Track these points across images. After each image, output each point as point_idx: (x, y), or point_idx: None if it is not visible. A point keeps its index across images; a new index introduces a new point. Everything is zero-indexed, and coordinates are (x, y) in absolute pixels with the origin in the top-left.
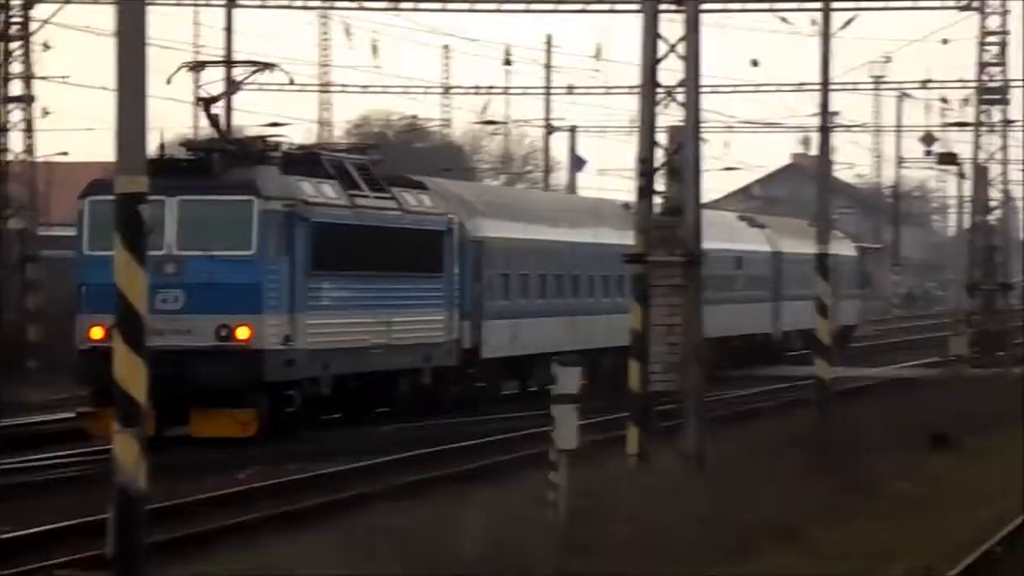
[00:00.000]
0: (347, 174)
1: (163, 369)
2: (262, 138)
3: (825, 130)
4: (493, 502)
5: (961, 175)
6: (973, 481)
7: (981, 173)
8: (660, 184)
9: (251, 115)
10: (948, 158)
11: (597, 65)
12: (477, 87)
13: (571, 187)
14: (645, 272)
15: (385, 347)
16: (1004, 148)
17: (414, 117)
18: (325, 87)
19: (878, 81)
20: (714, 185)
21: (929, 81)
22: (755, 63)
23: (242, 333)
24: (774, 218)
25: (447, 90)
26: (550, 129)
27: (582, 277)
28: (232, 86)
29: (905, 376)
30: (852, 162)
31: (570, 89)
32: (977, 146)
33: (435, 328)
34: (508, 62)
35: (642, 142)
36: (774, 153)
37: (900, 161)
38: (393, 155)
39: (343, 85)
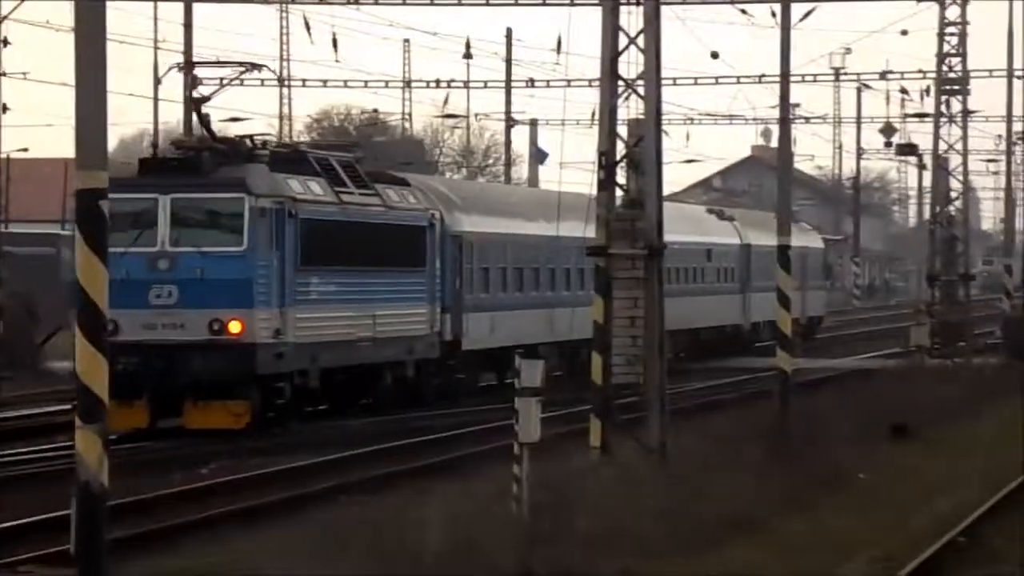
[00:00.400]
0: (333, 171)
1: (157, 362)
2: (249, 137)
3: (785, 121)
4: (458, 496)
5: (921, 166)
6: (934, 471)
7: (941, 164)
8: (621, 177)
9: (210, 110)
10: (908, 149)
11: (558, 58)
12: (438, 81)
13: (533, 180)
14: (607, 265)
15: (370, 340)
16: (964, 138)
17: (375, 111)
18: (285, 81)
19: (838, 72)
20: (675, 177)
21: (889, 72)
22: (715, 55)
23: (234, 327)
24: (742, 211)
25: (408, 84)
26: (511, 122)
27: (558, 270)
28: (221, 86)
29: (866, 367)
30: (812, 153)
31: (531, 82)
32: (937, 136)
33: (418, 321)
34: (469, 55)
35: (602, 135)
36: (734, 145)
37: (860, 152)
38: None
39: (303, 79)
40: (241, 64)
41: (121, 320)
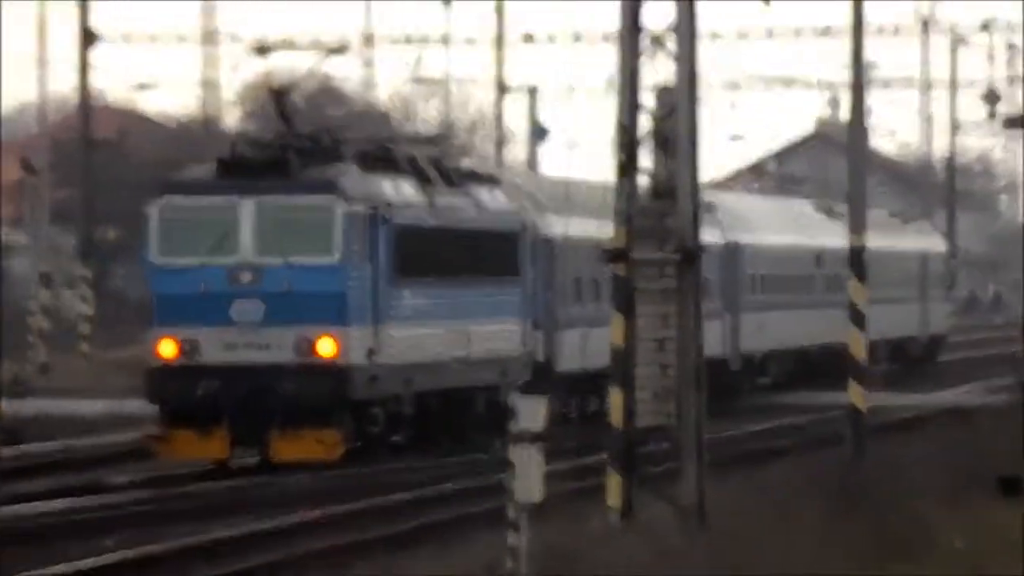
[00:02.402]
0: (422, 169)
1: (239, 387)
2: (328, 130)
3: (859, 88)
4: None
5: None
6: None
7: None
8: (646, 159)
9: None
10: (1017, 121)
11: (563, 7)
12: (408, 37)
13: (531, 162)
14: (628, 273)
15: (463, 361)
16: None
17: (327, 76)
18: (210, 38)
19: (926, 23)
20: (716, 160)
21: (992, 22)
22: (768, 1)
23: (325, 347)
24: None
25: (369, 40)
26: (503, 89)
27: None
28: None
29: (965, 404)
30: (894, 128)
31: (529, 38)
32: None
33: (511, 339)
34: (447, 2)
35: (622, 105)
36: (794, 119)
37: (956, 126)
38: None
39: (233, 35)
40: (320, 46)
41: (200, 339)
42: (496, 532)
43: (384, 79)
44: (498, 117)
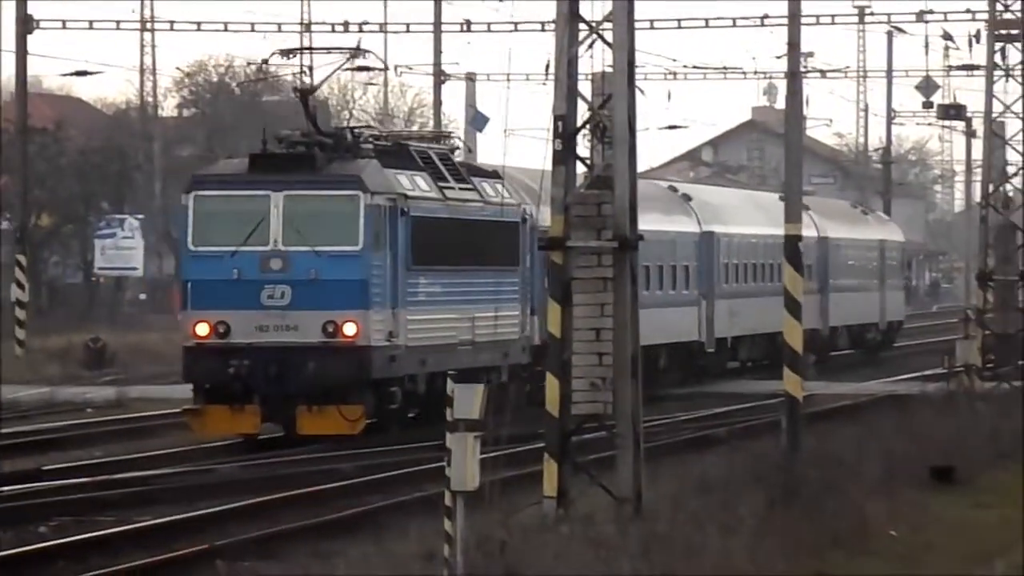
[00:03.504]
0: (434, 165)
1: (269, 366)
2: (350, 128)
3: (795, 76)
4: (372, 560)
5: (970, 133)
6: (986, 526)
7: (995, 130)
8: (584, 148)
9: (49, 61)
10: (953, 111)
11: None
12: (346, 23)
13: (468, 150)
14: (564, 261)
15: (470, 343)
16: None
17: (264, 62)
18: (147, 24)
19: (862, 13)
20: (653, 148)
21: (928, 12)
22: None
23: (349, 329)
24: (817, 199)
25: (307, 27)
26: (442, 77)
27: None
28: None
29: (899, 392)
30: (830, 117)
31: (466, 25)
32: (990, 95)
33: (512, 324)
34: None
35: (559, 94)
36: (730, 107)
37: (892, 116)
38: (235, 111)
39: (171, 21)
40: (342, 49)
41: (232, 321)
42: (434, 519)
43: (321, 66)
44: (436, 105)
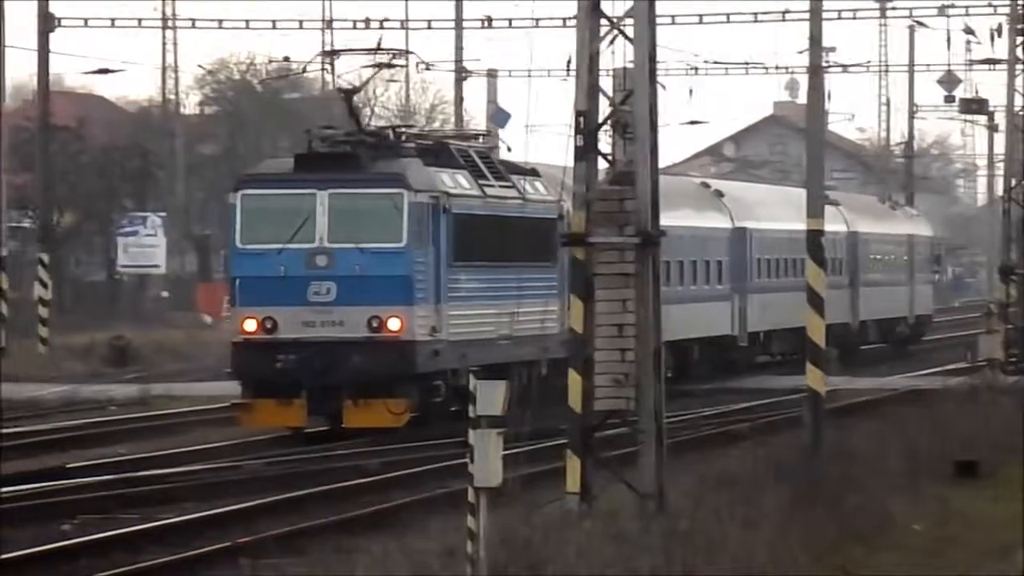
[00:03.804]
0: (474, 163)
1: (316, 360)
2: (392, 128)
3: (817, 70)
4: (395, 557)
5: (992, 127)
6: (1008, 520)
7: (1017, 124)
8: (605, 144)
9: (71, 59)
10: (975, 105)
11: None
12: (367, 20)
13: (508, 149)
14: (587, 257)
15: (509, 338)
16: None
17: (286, 59)
18: (168, 21)
19: (884, 8)
20: (675, 144)
21: (950, 6)
22: None
23: (393, 324)
24: (846, 194)
25: (328, 24)
26: (463, 74)
27: (672, 263)
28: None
29: (922, 387)
30: (852, 112)
31: (488, 22)
32: (1012, 89)
33: (550, 318)
34: None
35: (580, 89)
36: (752, 103)
37: (914, 110)
38: (257, 109)
39: (192, 19)
40: (383, 50)
41: (279, 317)
42: (458, 515)
43: (344, 64)
44: (458, 101)
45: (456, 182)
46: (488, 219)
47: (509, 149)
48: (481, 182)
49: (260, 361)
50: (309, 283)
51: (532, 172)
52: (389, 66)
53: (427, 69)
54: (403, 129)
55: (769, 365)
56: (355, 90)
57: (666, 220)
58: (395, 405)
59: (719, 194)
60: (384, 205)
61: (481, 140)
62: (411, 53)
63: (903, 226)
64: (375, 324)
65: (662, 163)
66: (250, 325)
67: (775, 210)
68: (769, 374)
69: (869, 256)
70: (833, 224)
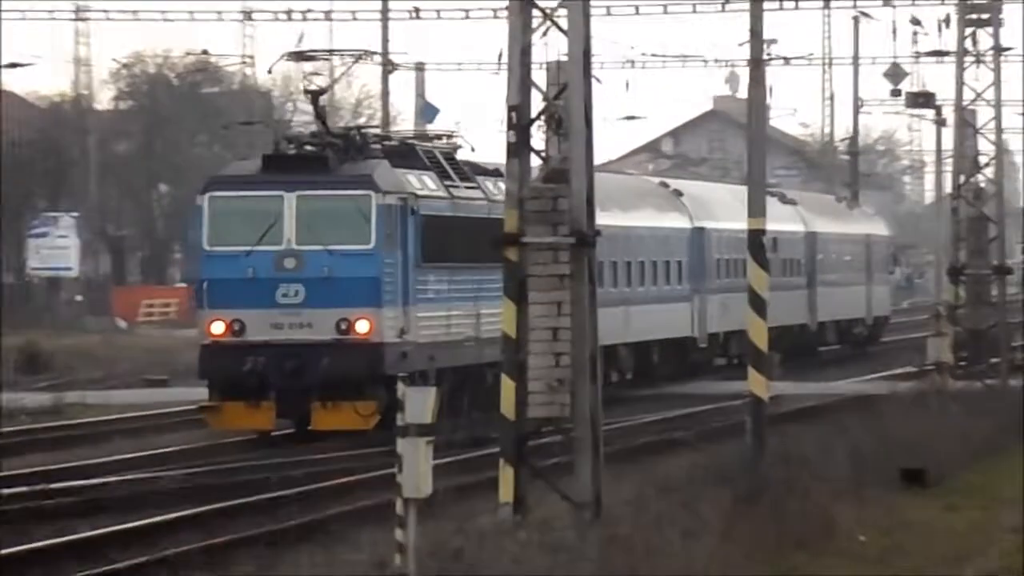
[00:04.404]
0: (440, 165)
1: (284, 363)
2: (357, 128)
3: (758, 63)
4: (321, 570)
5: (940, 121)
6: (958, 530)
7: (966, 118)
8: (539, 140)
9: None
10: (922, 99)
11: None
12: (289, 12)
13: (472, 149)
14: (520, 258)
15: (474, 340)
16: (997, 84)
17: (204, 52)
18: (81, 14)
19: None
20: (611, 140)
21: None
22: None
23: (362, 327)
24: (802, 193)
25: (248, 16)
26: (390, 67)
27: (633, 264)
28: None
29: (868, 392)
30: (795, 107)
31: (415, 13)
32: (961, 83)
33: None
34: None
35: (512, 84)
36: (691, 98)
37: (859, 104)
38: (174, 103)
39: (106, 11)
40: (350, 51)
41: (247, 319)
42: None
43: (265, 57)
44: (384, 96)
45: (423, 183)
46: (455, 220)
47: (473, 149)
48: (447, 183)
49: (228, 363)
50: (278, 285)
51: (496, 173)
52: (304, 58)
53: (393, 70)
54: (368, 130)
55: (726, 368)
56: (322, 91)
57: (626, 220)
58: (364, 407)
59: (678, 193)
60: (353, 207)
61: (445, 141)
62: (375, 53)
63: (860, 226)
64: (343, 326)
65: (598, 160)
66: (218, 328)
67: (734, 210)
68: (723, 377)
69: (827, 256)
70: (791, 224)
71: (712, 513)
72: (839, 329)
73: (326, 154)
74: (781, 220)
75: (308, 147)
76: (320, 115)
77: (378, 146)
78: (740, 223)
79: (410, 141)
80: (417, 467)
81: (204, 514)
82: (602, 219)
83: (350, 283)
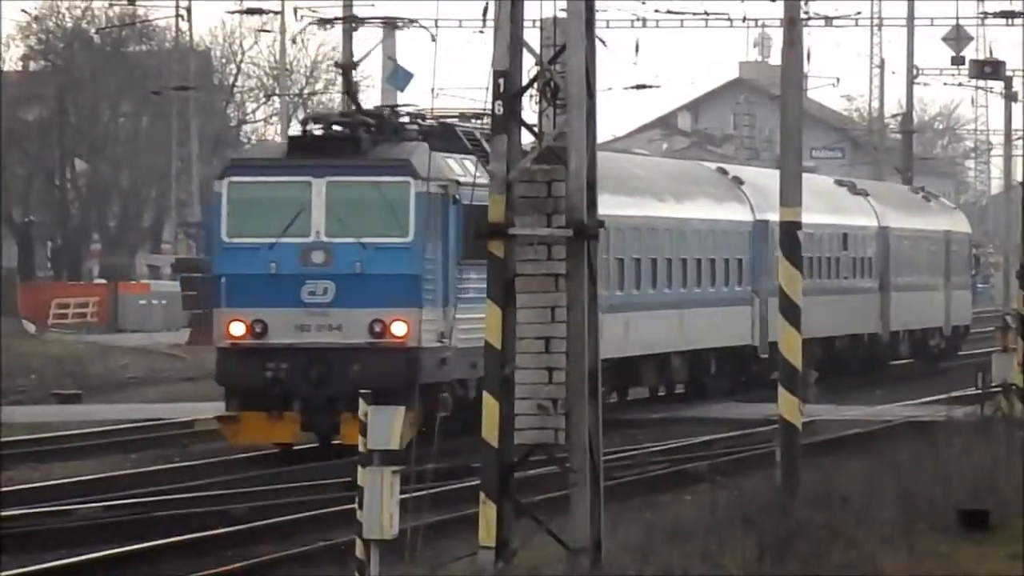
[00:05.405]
0: (482, 148)
1: (311, 369)
2: (391, 107)
3: (794, 23)
4: None
5: (1009, 95)
6: None
7: None
8: (530, 113)
9: None
10: (988, 68)
11: None
12: None
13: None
14: (507, 254)
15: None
16: None
17: (130, 3)
18: None
19: None
20: (617, 113)
21: None
22: None
23: (398, 329)
24: (873, 183)
25: None
26: (353, 23)
27: (689, 261)
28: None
29: (920, 418)
30: (837, 76)
31: None
32: None
33: None
34: None
35: (500, 44)
36: (713, 63)
37: (914, 74)
38: (94, 63)
39: None
40: (383, 20)
41: (270, 320)
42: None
43: (202, 11)
44: (347, 57)
45: (465, 169)
46: None
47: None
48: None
49: (248, 369)
50: (304, 282)
51: None
52: (254, 12)
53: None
54: (402, 108)
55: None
56: (354, 64)
57: (680, 211)
58: None
59: (738, 181)
60: (389, 195)
61: (485, 120)
62: (415, 21)
63: (939, 220)
64: (377, 328)
65: (602, 137)
66: (237, 329)
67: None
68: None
69: (902, 256)
70: (862, 218)
71: (734, 564)
72: (913, 340)
73: (358, 135)
74: (851, 213)
75: (336, 127)
76: (350, 91)
77: (414, 126)
78: (807, 216)
79: (449, 120)
80: (381, 502)
81: (124, 556)
82: (653, 210)
83: (386, 280)
